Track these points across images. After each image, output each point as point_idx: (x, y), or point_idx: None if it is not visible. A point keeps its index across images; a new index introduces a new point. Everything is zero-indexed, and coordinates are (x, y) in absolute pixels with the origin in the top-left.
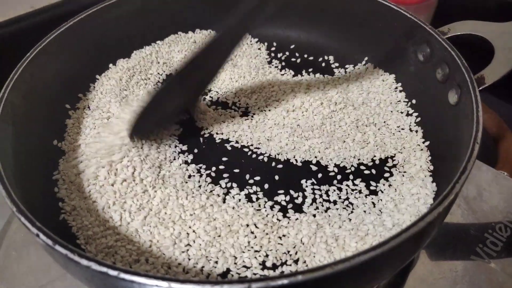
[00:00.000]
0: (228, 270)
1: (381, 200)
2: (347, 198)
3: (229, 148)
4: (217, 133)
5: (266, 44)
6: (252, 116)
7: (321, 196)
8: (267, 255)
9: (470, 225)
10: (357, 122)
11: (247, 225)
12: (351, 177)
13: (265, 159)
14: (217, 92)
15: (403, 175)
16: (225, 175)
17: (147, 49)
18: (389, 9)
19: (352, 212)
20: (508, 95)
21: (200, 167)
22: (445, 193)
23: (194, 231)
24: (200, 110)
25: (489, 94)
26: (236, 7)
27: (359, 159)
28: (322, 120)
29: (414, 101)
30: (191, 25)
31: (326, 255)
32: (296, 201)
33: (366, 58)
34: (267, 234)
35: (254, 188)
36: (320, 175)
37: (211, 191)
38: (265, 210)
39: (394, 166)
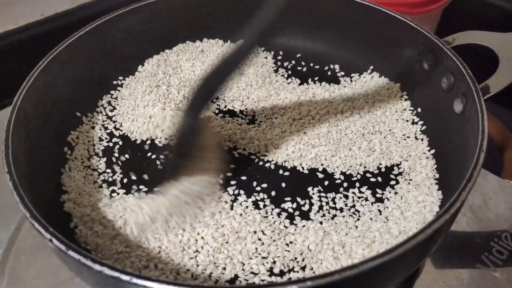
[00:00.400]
0: (236, 276)
1: (387, 207)
2: (354, 206)
3: (236, 156)
4: (224, 141)
5: (272, 53)
6: (259, 124)
7: (327, 203)
8: (274, 262)
9: (475, 233)
10: (363, 130)
11: (255, 232)
12: (357, 184)
13: (272, 167)
14: (224, 100)
15: (409, 183)
16: (232, 182)
17: (155, 57)
18: (395, 19)
19: (358, 219)
20: None
21: None
22: (452, 200)
23: (202, 238)
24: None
25: (494, 103)
26: (252, 22)
27: (365, 167)
28: (328, 128)
29: (419, 110)
30: (199, 34)
31: (333, 262)
32: (303, 208)
33: (371, 67)
34: (274, 241)
35: (261, 195)
36: (326, 183)
37: (219, 198)
38: (272, 217)
39: (400, 174)
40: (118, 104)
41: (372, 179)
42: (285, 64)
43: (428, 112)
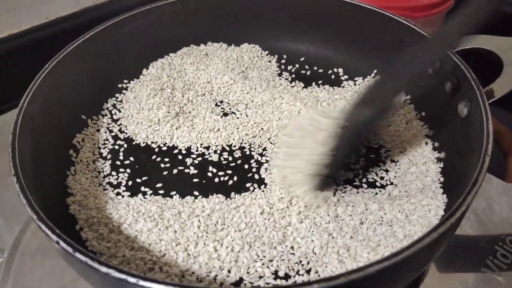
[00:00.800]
0: (241, 279)
1: (392, 211)
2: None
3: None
4: (227, 144)
5: (276, 56)
6: (263, 127)
7: (334, 205)
8: (279, 265)
9: (480, 237)
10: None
11: (260, 235)
12: (362, 187)
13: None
14: (228, 103)
15: (414, 186)
16: (230, 182)
17: (160, 61)
18: (398, 22)
19: (363, 223)
20: None
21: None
22: (457, 204)
23: (207, 241)
24: None
25: (498, 107)
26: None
27: (368, 170)
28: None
29: (423, 114)
30: (203, 38)
31: (338, 265)
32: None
33: (375, 71)
34: (279, 243)
35: (266, 197)
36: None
37: (223, 201)
38: (278, 220)
39: (405, 177)
40: (123, 107)
41: (377, 183)
42: (289, 67)
43: (433, 116)
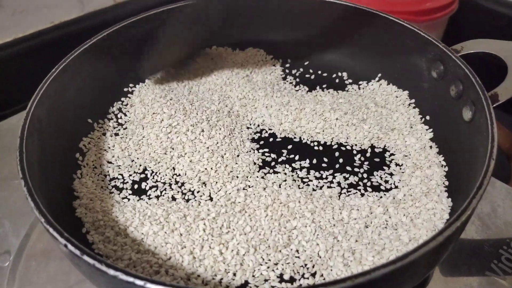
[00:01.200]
0: (247, 282)
1: (397, 214)
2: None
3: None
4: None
5: (281, 60)
6: (266, 132)
7: (339, 208)
8: (284, 268)
9: (484, 241)
10: (371, 138)
11: (265, 239)
12: (367, 190)
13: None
14: (232, 106)
15: (419, 190)
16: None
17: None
18: (402, 27)
19: (368, 226)
20: None
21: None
22: (463, 208)
23: (212, 244)
24: None
25: (502, 111)
26: None
27: (373, 174)
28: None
29: (428, 117)
30: (208, 42)
31: (343, 269)
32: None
33: (379, 75)
34: (284, 247)
35: (270, 200)
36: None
37: (226, 205)
38: (283, 223)
39: (410, 181)
40: (128, 111)
41: (382, 187)
42: (293, 71)
43: (437, 120)
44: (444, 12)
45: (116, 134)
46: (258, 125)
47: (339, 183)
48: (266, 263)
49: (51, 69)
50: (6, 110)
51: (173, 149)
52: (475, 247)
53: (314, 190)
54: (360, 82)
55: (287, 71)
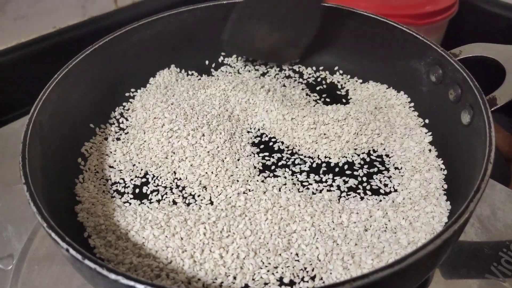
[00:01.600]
0: (247, 286)
1: (396, 218)
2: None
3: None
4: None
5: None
6: (266, 135)
7: (339, 212)
8: (284, 272)
9: (484, 243)
10: (371, 142)
11: (265, 242)
12: (366, 194)
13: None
14: (232, 110)
15: (418, 194)
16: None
17: (166, 70)
18: (400, 31)
19: (367, 230)
20: None
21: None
22: (460, 211)
23: (212, 248)
24: None
25: (501, 114)
26: None
27: (372, 178)
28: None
29: (427, 121)
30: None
31: (342, 272)
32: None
33: (378, 79)
34: (284, 250)
35: (270, 203)
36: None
37: (226, 209)
38: (283, 227)
39: (409, 184)
40: (130, 116)
41: (381, 190)
42: (293, 76)
43: (436, 124)
44: (444, 16)
45: (118, 139)
46: (259, 129)
47: (338, 187)
48: (266, 266)
49: (53, 74)
50: (9, 115)
51: (174, 153)
52: (475, 250)
53: (313, 193)
54: (359, 86)
55: (286, 75)
